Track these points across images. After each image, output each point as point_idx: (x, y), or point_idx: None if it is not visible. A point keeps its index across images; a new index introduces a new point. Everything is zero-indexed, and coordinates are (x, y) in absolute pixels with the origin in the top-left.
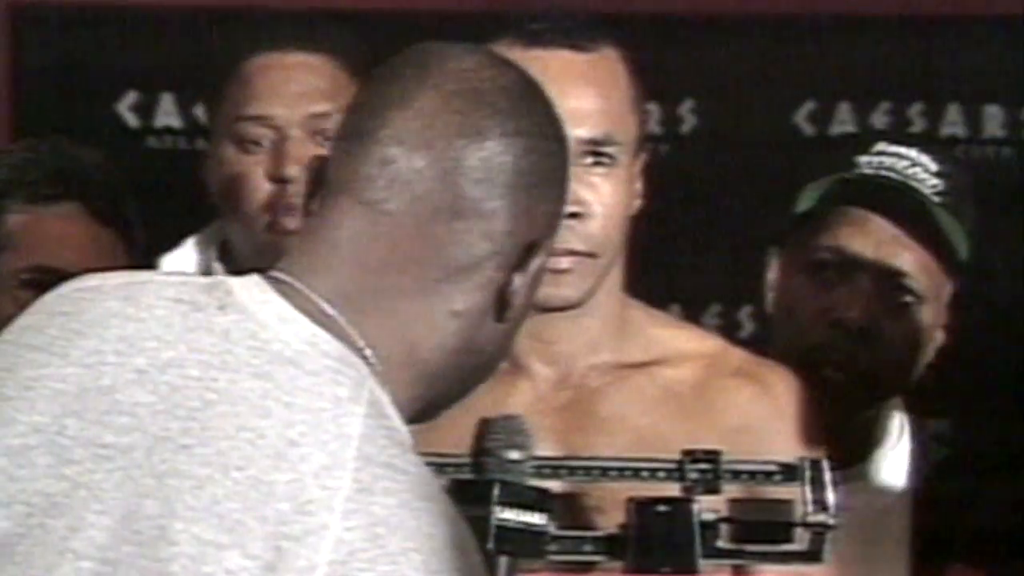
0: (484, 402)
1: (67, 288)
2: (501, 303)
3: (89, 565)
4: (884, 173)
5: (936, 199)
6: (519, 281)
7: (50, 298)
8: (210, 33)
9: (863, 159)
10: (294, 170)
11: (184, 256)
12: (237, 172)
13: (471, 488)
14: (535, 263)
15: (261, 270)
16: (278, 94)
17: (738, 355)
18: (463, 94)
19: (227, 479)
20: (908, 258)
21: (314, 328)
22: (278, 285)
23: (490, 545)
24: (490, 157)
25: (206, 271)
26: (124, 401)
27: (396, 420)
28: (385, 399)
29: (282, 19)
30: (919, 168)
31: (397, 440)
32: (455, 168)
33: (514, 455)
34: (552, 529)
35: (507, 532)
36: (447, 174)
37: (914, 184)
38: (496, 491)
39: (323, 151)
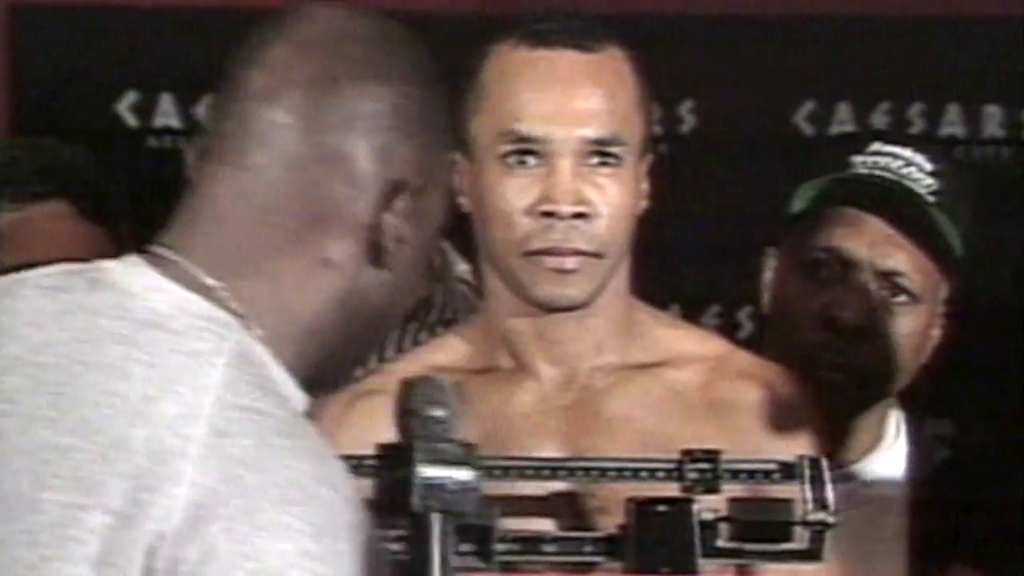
0: (490, 402)
1: None
2: (375, 247)
3: None
4: (879, 173)
5: (931, 199)
6: (390, 221)
7: None
8: (210, 33)
9: (858, 159)
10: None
11: None
12: None
13: (395, 450)
14: (402, 203)
15: (142, 249)
16: None
17: (742, 357)
18: (316, 45)
19: (89, 443)
20: (902, 258)
21: (185, 294)
22: (154, 259)
23: (415, 502)
24: (343, 104)
25: None
26: (4, 389)
27: (272, 371)
28: (260, 352)
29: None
30: (914, 168)
31: (261, 385)
32: (309, 117)
33: (437, 412)
34: (481, 484)
35: (432, 489)
36: (301, 124)
37: (908, 184)
38: (417, 449)
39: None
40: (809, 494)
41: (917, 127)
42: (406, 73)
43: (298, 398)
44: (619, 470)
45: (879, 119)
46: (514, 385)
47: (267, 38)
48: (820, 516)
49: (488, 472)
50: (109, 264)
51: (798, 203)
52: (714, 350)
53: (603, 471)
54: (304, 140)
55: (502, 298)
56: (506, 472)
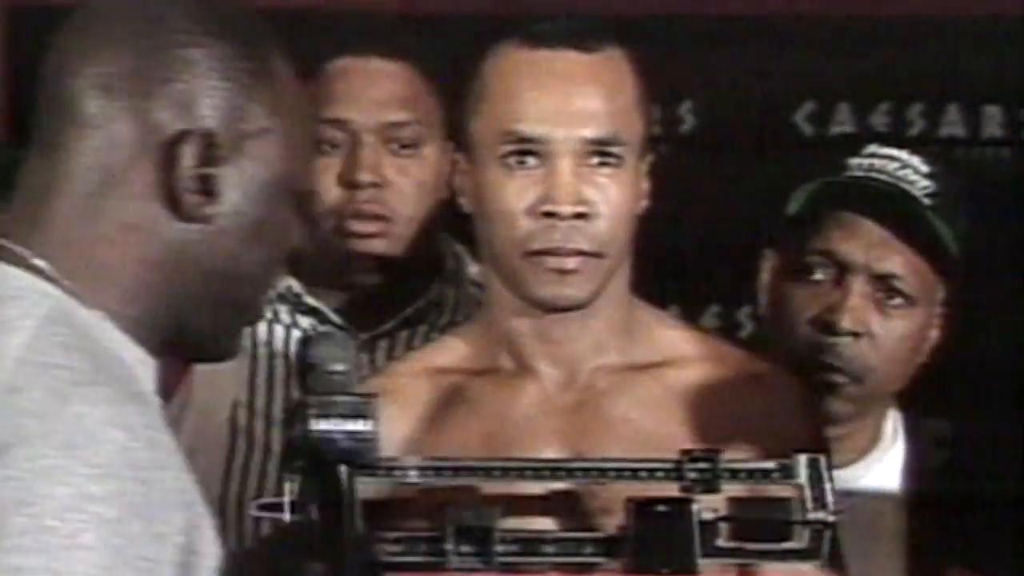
0: (492, 403)
1: None
2: (172, 201)
3: None
4: (875, 175)
5: (927, 201)
6: (186, 173)
7: None
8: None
9: (854, 161)
10: (366, 176)
11: None
12: None
13: (294, 406)
14: (199, 152)
15: None
16: (356, 99)
17: (742, 357)
18: (83, 24)
19: None
20: (898, 261)
21: (10, 270)
22: None
23: (316, 457)
24: (100, 71)
25: None
26: None
27: (101, 334)
28: (86, 316)
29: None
30: (910, 170)
31: (70, 344)
32: (72, 87)
33: (336, 367)
34: (379, 434)
35: (331, 443)
36: (66, 94)
37: (904, 186)
38: (311, 404)
39: (396, 159)
40: (808, 493)
41: (917, 128)
42: (202, 26)
43: (139, 358)
44: (619, 470)
45: (879, 120)
46: (515, 386)
47: (69, 28)
48: (820, 515)
49: (489, 473)
50: None
51: (794, 205)
52: (714, 350)
53: (603, 471)
54: (69, 111)
55: (503, 299)
56: (507, 473)
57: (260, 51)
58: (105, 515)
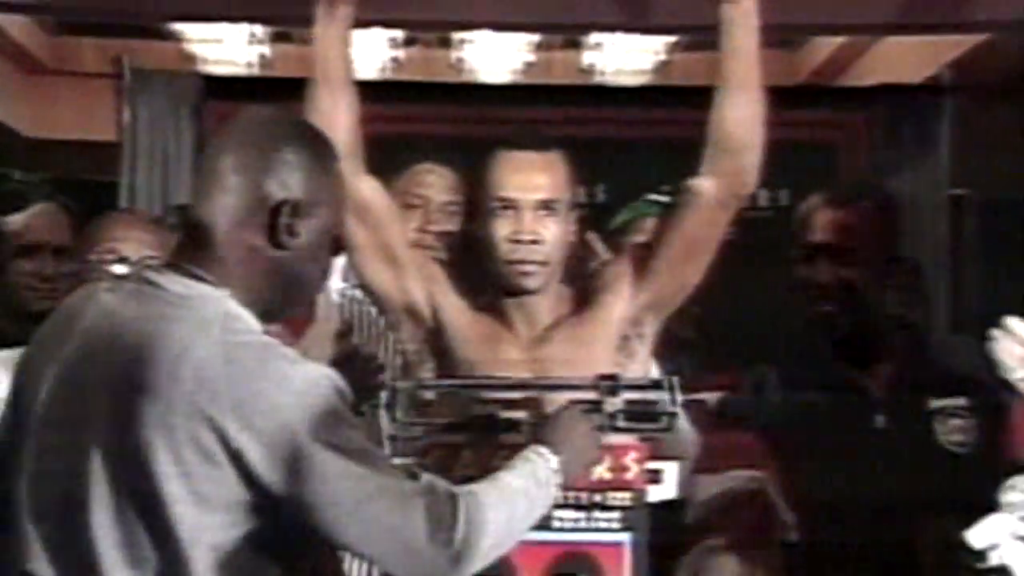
0: (487, 342)
1: None
2: (273, 238)
3: None
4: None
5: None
6: (283, 222)
7: None
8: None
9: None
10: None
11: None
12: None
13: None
14: (290, 210)
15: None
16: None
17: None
18: (230, 129)
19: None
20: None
21: (185, 279)
22: (172, 266)
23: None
24: (257, 157)
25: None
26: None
27: (246, 319)
28: (234, 308)
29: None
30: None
31: (248, 328)
32: (221, 167)
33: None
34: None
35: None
36: (217, 171)
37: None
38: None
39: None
40: (667, 397)
41: None
42: (295, 143)
43: (257, 327)
44: (562, 385)
45: None
46: (501, 336)
47: (224, 130)
48: (673, 409)
49: (488, 387)
50: (152, 271)
51: (617, 220)
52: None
53: (553, 386)
54: (235, 178)
55: (495, 287)
56: (496, 388)
57: (324, 154)
58: (313, 403)
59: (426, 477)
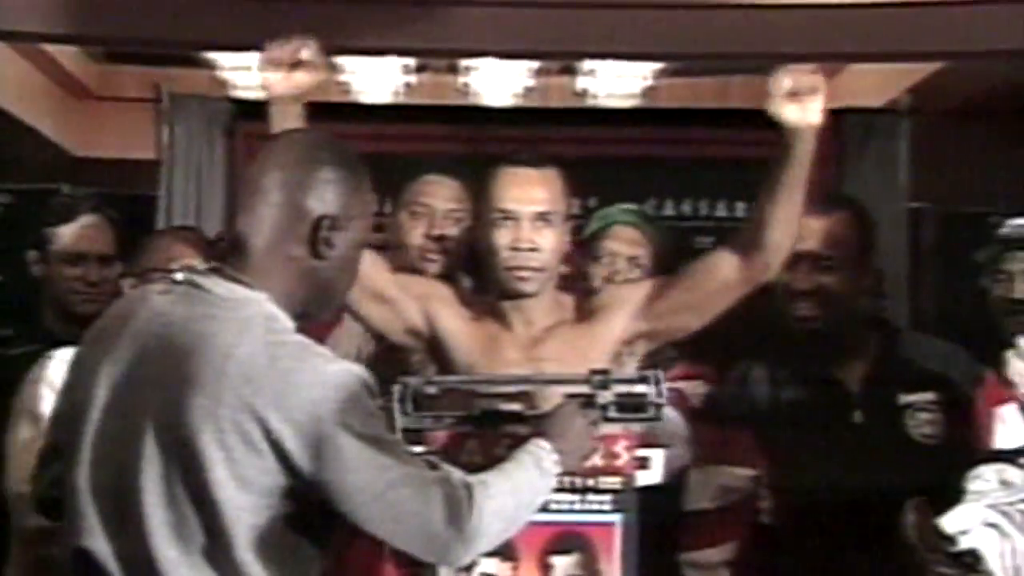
0: (486, 344)
1: None
2: (313, 250)
3: None
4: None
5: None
6: (322, 235)
7: None
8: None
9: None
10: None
11: None
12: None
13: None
14: (329, 224)
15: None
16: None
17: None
18: (272, 151)
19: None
20: (643, 252)
21: (230, 284)
22: (216, 271)
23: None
24: (299, 176)
25: None
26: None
27: (283, 320)
28: (273, 310)
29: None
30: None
31: (285, 328)
32: (266, 183)
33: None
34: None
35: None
36: (263, 186)
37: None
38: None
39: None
40: (653, 389)
41: None
42: (333, 163)
43: (292, 327)
44: (557, 380)
45: None
46: (501, 336)
47: (266, 149)
48: (658, 400)
49: (489, 383)
50: (198, 275)
51: (590, 228)
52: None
53: (549, 381)
54: (278, 194)
55: (496, 293)
56: (496, 384)
57: (358, 173)
58: (346, 397)
59: (443, 467)
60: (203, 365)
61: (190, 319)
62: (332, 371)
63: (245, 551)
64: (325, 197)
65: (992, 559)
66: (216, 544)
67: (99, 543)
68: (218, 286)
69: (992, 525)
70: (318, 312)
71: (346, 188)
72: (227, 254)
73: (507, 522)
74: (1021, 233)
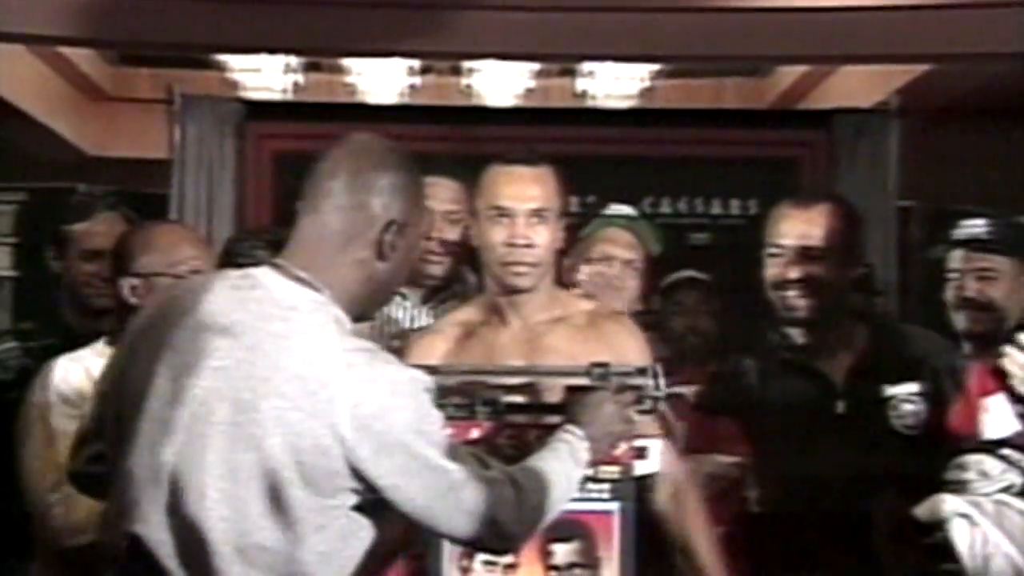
0: (487, 338)
1: None
2: (380, 251)
3: None
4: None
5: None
6: (387, 239)
7: None
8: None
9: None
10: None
11: None
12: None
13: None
14: (394, 228)
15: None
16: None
17: (608, 308)
18: (339, 152)
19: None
20: (635, 254)
21: (301, 288)
22: (277, 268)
23: None
24: (365, 181)
25: None
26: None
27: (347, 323)
28: (338, 312)
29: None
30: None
31: (349, 330)
32: (349, 186)
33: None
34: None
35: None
36: (346, 189)
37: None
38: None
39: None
40: (651, 382)
41: None
42: (397, 169)
43: (353, 329)
44: (558, 372)
45: None
46: (498, 330)
47: (330, 152)
48: (656, 393)
49: (487, 373)
50: (256, 272)
51: (588, 229)
52: (592, 306)
53: (551, 372)
54: (347, 198)
55: (492, 285)
56: (489, 373)
57: (416, 178)
58: (415, 404)
59: (495, 465)
60: (279, 368)
61: (261, 318)
62: (403, 378)
63: (308, 552)
64: (392, 201)
65: (963, 549)
66: (281, 540)
67: (151, 530)
68: (280, 285)
69: (963, 515)
70: (371, 313)
71: (409, 193)
72: (291, 252)
73: (553, 512)
74: (973, 234)
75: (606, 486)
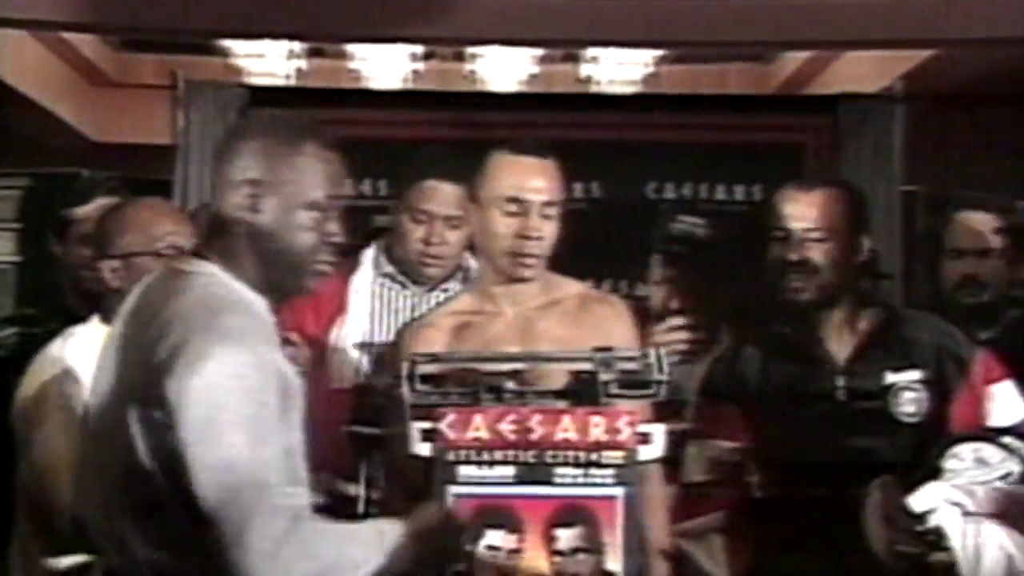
0: (483, 326)
1: None
2: (245, 213)
3: None
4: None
5: None
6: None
7: None
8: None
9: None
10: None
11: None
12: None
13: None
14: (249, 190)
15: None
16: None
17: (597, 292)
18: (244, 127)
19: None
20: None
21: (214, 268)
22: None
23: None
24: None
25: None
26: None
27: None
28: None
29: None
30: None
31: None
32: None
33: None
34: None
35: None
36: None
37: None
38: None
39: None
40: (655, 365)
41: None
42: (255, 134)
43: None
44: (559, 358)
45: None
46: (493, 317)
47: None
48: (660, 377)
49: (484, 360)
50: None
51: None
52: (583, 289)
53: (553, 358)
54: (216, 169)
55: (489, 275)
56: (491, 360)
57: (283, 140)
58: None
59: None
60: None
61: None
62: None
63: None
64: (246, 164)
65: (955, 537)
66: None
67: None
68: (193, 265)
69: (956, 504)
70: (284, 284)
71: (269, 154)
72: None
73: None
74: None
75: (610, 471)
